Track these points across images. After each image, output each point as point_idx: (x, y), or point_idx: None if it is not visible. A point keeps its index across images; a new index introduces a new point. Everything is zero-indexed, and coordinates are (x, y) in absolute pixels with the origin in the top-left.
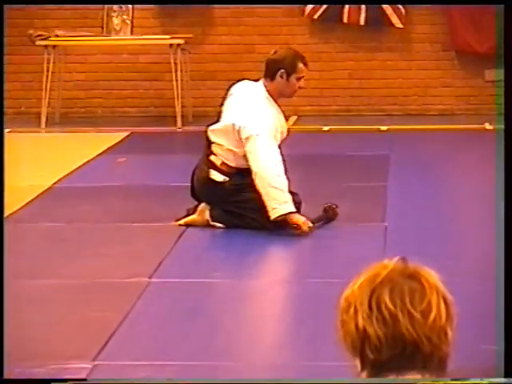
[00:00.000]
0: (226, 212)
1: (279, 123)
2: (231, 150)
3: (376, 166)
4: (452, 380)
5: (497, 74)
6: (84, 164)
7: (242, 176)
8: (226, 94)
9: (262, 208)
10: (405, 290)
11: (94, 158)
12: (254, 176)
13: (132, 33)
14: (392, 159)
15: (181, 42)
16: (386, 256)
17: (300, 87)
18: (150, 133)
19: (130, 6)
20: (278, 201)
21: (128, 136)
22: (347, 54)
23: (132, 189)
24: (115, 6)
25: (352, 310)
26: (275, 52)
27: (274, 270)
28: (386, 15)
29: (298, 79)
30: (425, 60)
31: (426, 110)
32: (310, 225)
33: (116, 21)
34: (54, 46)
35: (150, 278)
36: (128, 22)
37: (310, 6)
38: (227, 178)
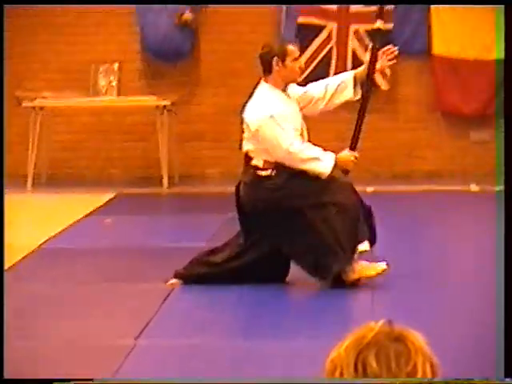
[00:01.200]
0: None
1: (290, 106)
2: (264, 149)
3: None
4: (452, 380)
5: (482, 135)
6: (71, 225)
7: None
8: None
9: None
10: (390, 353)
11: (80, 219)
12: (282, 161)
13: (118, 94)
14: (378, 220)
15: (167, 103)
16: (372, 318)
17: (300, 68)
18: (136, 194)
19: (117, 66)
20: (317, 168)
21: (115, 197)
22: (334, 116)
23: (119, 250)
24: (101, 67)
25: (338, 372)
26: (264, 46)
27: (260, 330)
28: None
29: (295, 60)
30: (411, 121)
31: (411, 171)
32: (356, 155)
33: (102, 82)
34: (41, 108)
35: (136, 339)
36: (114, 83)
37: None
38: (274, 172)
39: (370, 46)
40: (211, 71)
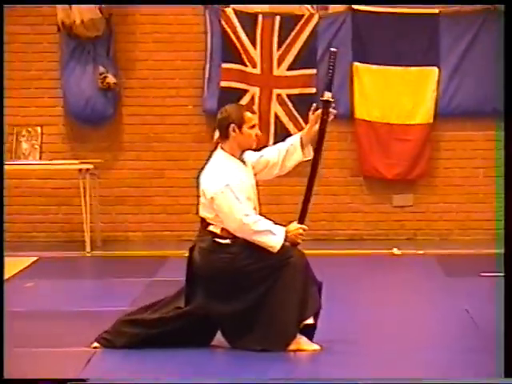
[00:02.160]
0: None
1: (246, 175)
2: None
3: None
4: (452, 380)
5: (405, 200)
6: None
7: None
8: None
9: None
10: None
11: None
12: (233, 232)
13: (41, 157)
14: None
15: (90, 166)
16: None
17: (257, 135)
18: (58, 258)
19: (39, 130)
20: (269, 241)
21: (36, 261)
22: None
23: (40, 314)
24: (24, 131)
25: None
26: (221, 112)
27: None
28: None
29: (251, 128)
30: (333, 185)
31: (334, 234)
32: (304, 227)
33: (25, 145)
34: None
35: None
36: (37, 146)
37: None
38: (231, 240)
39: (320, 116)
40: (134, 135)
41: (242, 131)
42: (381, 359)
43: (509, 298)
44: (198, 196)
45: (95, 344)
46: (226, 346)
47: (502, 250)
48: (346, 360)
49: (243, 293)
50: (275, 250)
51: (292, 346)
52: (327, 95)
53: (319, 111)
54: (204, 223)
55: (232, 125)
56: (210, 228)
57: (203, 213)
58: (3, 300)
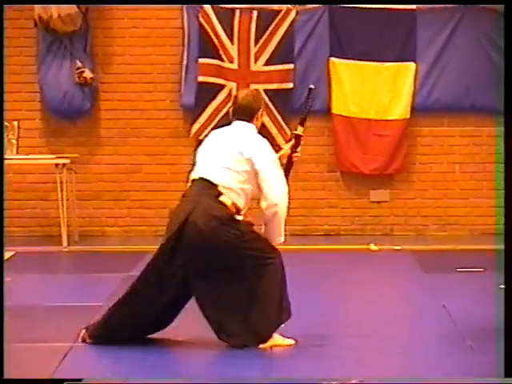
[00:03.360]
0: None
1: None
2: (242, 190)
3: None
4: (452, 380)
5: (382, 195)
6: None
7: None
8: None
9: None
10: None
11: None
12: (268, 204)
13: (18, 152)
14: None
15: (67, 161)
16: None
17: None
18: (35, 252)
19: (16, 124)
20: (282, 229)
21: (13, 256)
22: None
23: (17, 309)
24: None
25: None
26: (255, 94)
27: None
28: (272, 135)
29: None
30: (310, 180)
31: (311, 230)
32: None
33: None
34: None
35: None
36: (14, 141)
37: (196, 127)
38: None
39: (294, 134)
40: (111, 130)
41: (262, 117)
42: (353, 356)
43: (509, 298)
44: (190, 172)
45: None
46: (197, 344)
47: (498, 246)
48: (319, 356)
49: (231, 275)
50: (280, 242)
51: (268, 343)
52: (300, 129)
53: (290, 143)
54: (214, 191)
55: (260, 109)
56: (222, 198)
57: (222, 180)
58: (3, 300)
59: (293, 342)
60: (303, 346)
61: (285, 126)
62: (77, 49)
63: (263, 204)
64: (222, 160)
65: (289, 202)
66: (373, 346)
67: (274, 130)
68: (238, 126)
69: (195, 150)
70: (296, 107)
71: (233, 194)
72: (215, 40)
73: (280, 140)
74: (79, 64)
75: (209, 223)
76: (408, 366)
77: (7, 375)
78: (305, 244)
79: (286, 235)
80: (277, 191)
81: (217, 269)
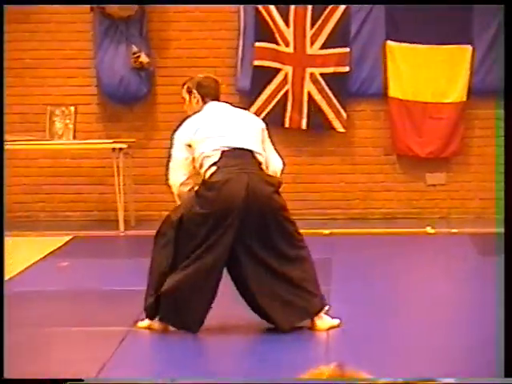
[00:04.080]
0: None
1: None
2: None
3: (319, 269)
4: (452, 380)
5: (438, 178)
6: (26, 268)
7: None
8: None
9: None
10: None
11: (36, 262)
12: (276, 169)
13: (75, 137)
14: (334, 263)
15: (123, 146)
16: (327, 360)
17: None
18: (92, 237)
19: (73, 110)
20: None
21: (71, 240)
22: (290, 159)
23: (74, 293)
24: (57, 111)
25: None
26: (206, 77)
27: (214, 371)
28: (328, 120)
29: None
30: (367, 164)
31: (368, 213)
32: None
33: (59, 125)
34: None
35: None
36: (71, 126)
37: (252, 111)
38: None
39: None
40: (167, 114)
41: None
42: (390, 347)
43: (509, 298)
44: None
45: (143, 322)
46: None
47: None
48: (361, 342)
49: (277, 253)
50: None
51: (318, 324)
52: None
53: None
54: (255, 160)
55: None
56: (263, 167)
57: (257, 149)
58: (3, 300)
59: (338, 321)
60: (353, 329)
61: (341, 110)
62: (133, 33)
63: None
64: (248, 131)
65: (346, 186)
66: (407, 335)
67: (330, 115)
68: (224, 104)
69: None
70: (353, 91)
71: (264, 163)
72: (271, 23)
73: (337, 124)
74: (135, 49)
75: (266, 189)
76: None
77: (56, 361)
78: (362, 228)
79: (342, 219)
80: (278, 160)
81: (265, 244)
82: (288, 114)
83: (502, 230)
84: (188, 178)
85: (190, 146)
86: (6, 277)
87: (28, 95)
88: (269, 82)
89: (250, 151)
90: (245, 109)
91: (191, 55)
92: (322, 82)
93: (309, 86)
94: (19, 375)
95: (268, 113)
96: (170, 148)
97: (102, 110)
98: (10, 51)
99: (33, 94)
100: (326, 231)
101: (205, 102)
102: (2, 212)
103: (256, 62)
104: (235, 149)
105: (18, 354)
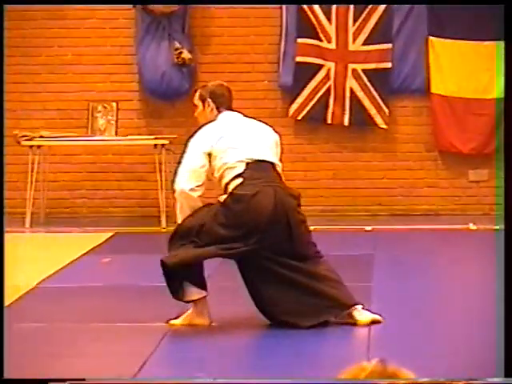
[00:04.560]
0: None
1: None
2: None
3: (361, 266)
4: (453, 380)
5: (481, 175)
6: (68, 264)
7: None
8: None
9: None
10: None
11: (78, 258)
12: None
13: (117, 133)
14: (377, 259)
15: (165, 142)
16: (369, 357)
17: None
18: (134, 233)
19: (115, 106)
20: None
21: (112, 236)
22: (332, 155)
23: (116, 289)
24: (100, 107)
25: None
26: (220, 85)
27: (255, 369)
28: (370, 116)
29: None
30: (409, 160)
31: (410, 210)
32: None
33: (101, 121)
34: (39, 147)
35: (133, 377)
36: (113, 122)
37: (294, 107)
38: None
39: None
40: None
41: None
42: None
43: (509, 298)
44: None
45: (174, 321)
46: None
47: None
48: (403, 340)
49: (299, 261)
50: None
51: (356, 316)
52: None
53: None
54: (276, 172)
55: None
56: (283, 179)
57: (276, 161)
58: (3, 300)
59: (379, 317)
60: (395, 326)
61: (383, 106)
62: (175, 29)
63: None
64: (267, 143)
65: (388, 182)
66: (464, 324)
67: (372, 111)
68: (238, 114)
69: (294, 130)
70: (395, 87)
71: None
72: (313, 19)
73: (379, 120)
74: (177, 45)
75: (291, 202)
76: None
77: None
78: (404, 224)
79: (384, 215)
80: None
81: (286, 251)
82: (330, 110)
83: None
84: (199, 186)
85: (209, 154)
86: (49, 272)
87: (68, 92)
88: (311, 78)
89: (272, 163)
90: (287, 105)
91: (233, 51)
92: (364, 78)
93: (351, 82)
94: (62, 370)
95: (310, 109)
96: (183, 153)
97: (143, 106)
98: (50, 48)
99: (74, 90)
100: (368, 227)
101: (219, 112)
102: (1, 212)
103: (298, 58)
104: (258, 161)
105: (58, 346)
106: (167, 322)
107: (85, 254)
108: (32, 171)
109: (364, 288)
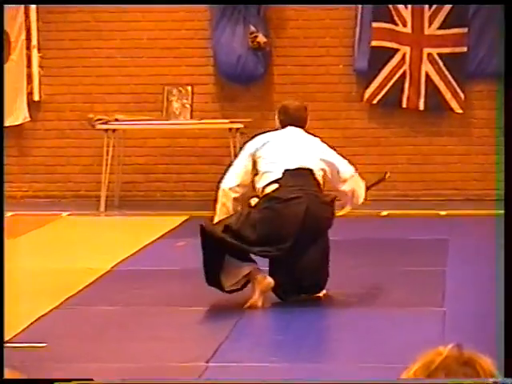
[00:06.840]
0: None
1: None
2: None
3: (435, 250)
4: (452, 381)
5: None
6: (143, 248)
7: None
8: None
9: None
10: (459, 377)
11: (152, 241)
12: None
13: (191, 117)
14: (451, 244)
15: (240, 126)
16: (444, 342)
17: None
18: (209, 217)
19: (190, 89)
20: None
21: (187, 220)
22: (406, 139)
23: (191, 273)
24: (175, 90)
25: None
26: (292, 104)
27: (330, 354)
28: (446, 100)
29: None
30: (484, 145)
31: (485, 195)
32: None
33: (176, 105)
34: (114, 130)
35: (207, 362)
36: (188, 106)
37: (369, 91)
38: None
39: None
40: (284, 94)
41: None
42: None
43: (509, 299)
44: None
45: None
46: None
47: None
48: (477, 325)
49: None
50: (361, 201)
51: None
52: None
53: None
54: (315, 182)
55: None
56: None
57: (317, 168)
58: (3, 300)
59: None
60: (470, 311)
61: (459, 91)
62: (250, 13)
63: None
64: (309, 150)
65: (463, 166)
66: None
67: (448, 95)
68: (299, 130)
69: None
70: (471, 71)
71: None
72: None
73: (454, 105)
74: (253, 28)
75: (323, 212)
76: None
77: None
78: (478, 209)
79: (459, 200)
80: (348, 166)
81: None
82: (405, 95)
83: None
84: (239, 186)
85: (253, 156)
86: (124, 256)
87: (143, 75)
88: (386, 62)
89: (310, 170)
90: (362, 90)
91: (308, 35)
92: (440, 63)
93: (426, 67)
94: (137, 354)
95: (385, 93)
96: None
97: (218, 90)
98: (125, 32)
99: (148, 74)
100: (443, 212)
101: (283, 127)
102: (2, 209)
103: (373, 43)
104: (296, 168)
105: (132, 330)
106: (243, 306)
107: (159, 237)
108: (107, 155)
109: (438, 272)
